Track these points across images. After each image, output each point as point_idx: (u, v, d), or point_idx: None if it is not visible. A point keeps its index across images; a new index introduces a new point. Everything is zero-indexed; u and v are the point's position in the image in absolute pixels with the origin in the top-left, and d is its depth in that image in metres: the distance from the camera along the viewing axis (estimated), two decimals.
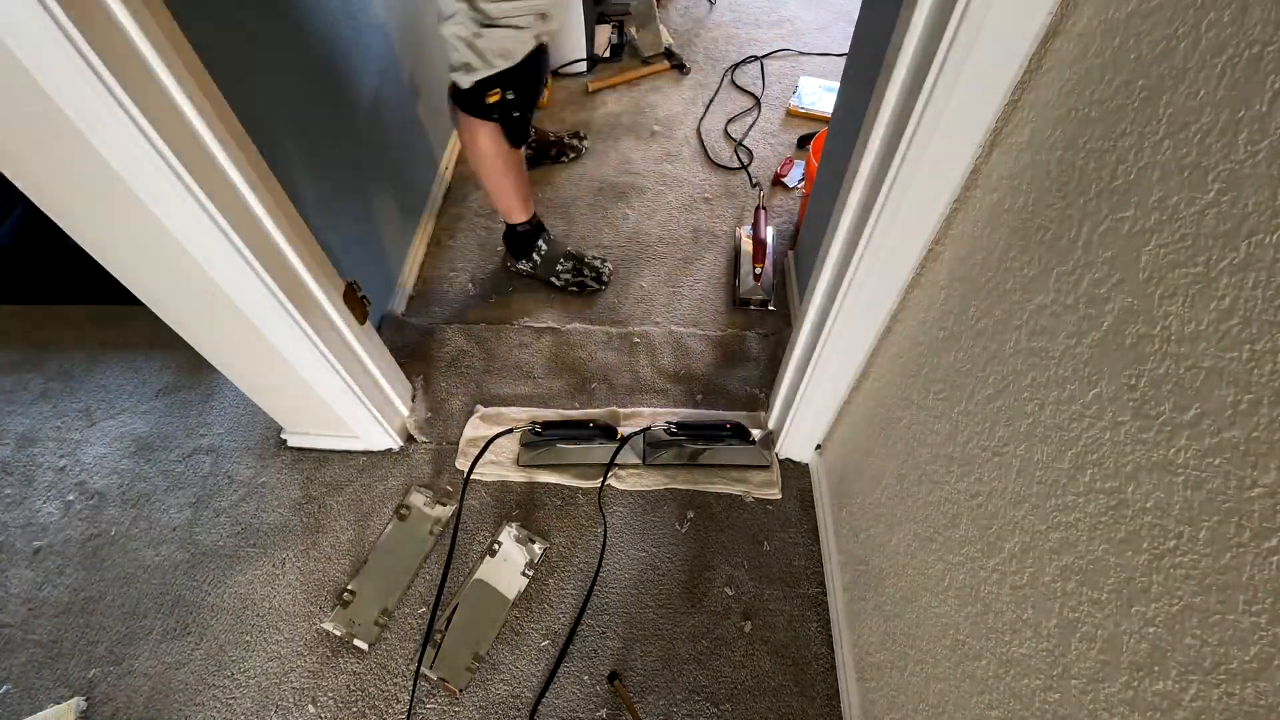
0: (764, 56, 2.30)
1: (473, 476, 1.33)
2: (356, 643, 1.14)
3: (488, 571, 1.22)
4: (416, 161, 1.79)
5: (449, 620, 1.16)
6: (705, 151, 2.00)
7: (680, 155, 2.00)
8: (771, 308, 1.63)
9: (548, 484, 1.33)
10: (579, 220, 1.82)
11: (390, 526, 1.27)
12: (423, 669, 1.12)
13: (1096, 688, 0.50)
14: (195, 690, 1.13)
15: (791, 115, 2.11)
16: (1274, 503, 0.36)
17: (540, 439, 1.36)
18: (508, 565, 1.22)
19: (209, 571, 1.26)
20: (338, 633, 1.15)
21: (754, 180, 1.92)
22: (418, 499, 1.31)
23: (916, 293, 0.87)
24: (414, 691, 1.10)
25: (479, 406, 1.44)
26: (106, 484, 1.39)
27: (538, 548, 1.24)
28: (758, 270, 1.59)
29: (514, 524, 1.27)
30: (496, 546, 1.24)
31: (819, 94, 2.12)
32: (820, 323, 1.02)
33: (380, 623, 1.17)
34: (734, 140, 2.04)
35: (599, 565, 1.23)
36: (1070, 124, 0.55)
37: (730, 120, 2.10)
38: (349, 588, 1.20)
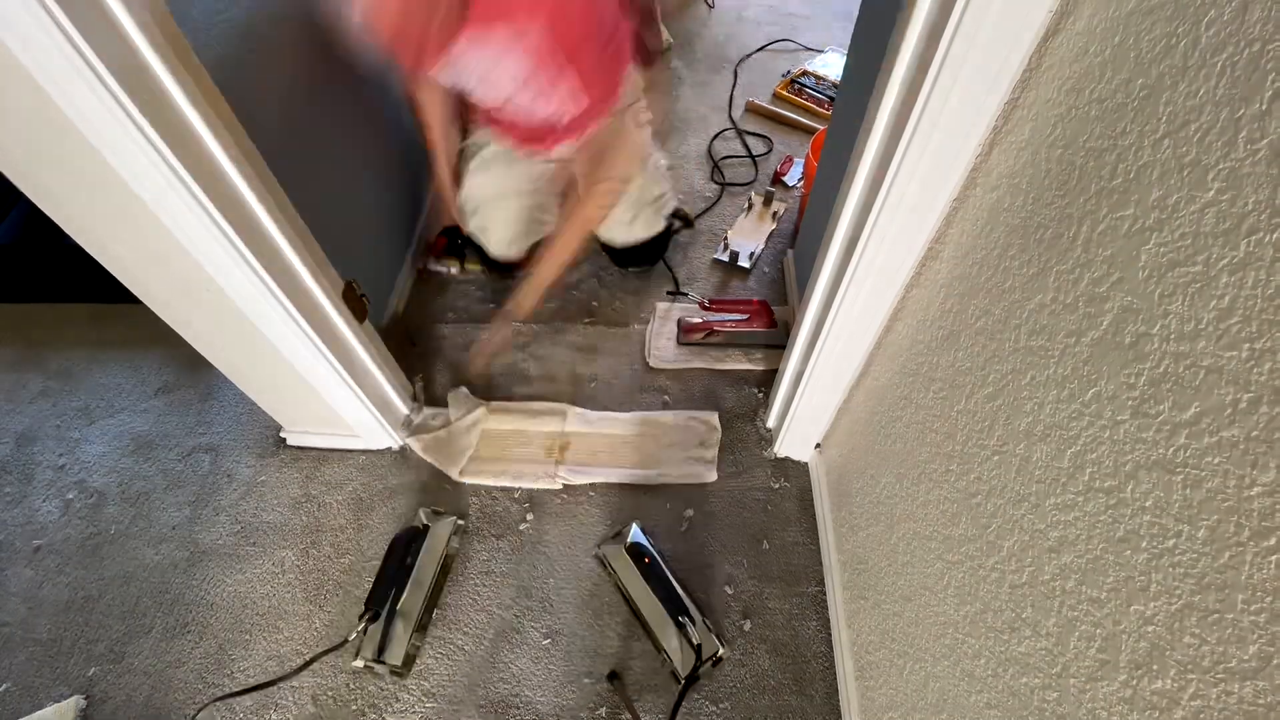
0: (763, 47, 2.31)
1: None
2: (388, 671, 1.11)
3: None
4: (416, 160, 1.78)
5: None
6: (709, 153, 2.01)
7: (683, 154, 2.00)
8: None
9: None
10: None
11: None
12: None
13: (1095, 686, 0.50)
14: (195, 689, 1.13)
15: None
16: (1273, 502, 0.36)
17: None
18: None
19: (208, 570, 1.26)
20: (366, 665, 1.11)
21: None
22: (426, 517, 1.25)
23: (916, 291, 0.87)
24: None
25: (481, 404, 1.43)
26: (106, 482, 1.39)
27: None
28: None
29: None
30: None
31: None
32: (820, 322, 1.02)
33: (414, 646, 1.13)
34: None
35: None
36: (1070, 122, 0.55)
37: None
38: (364, 617, 1.13)
